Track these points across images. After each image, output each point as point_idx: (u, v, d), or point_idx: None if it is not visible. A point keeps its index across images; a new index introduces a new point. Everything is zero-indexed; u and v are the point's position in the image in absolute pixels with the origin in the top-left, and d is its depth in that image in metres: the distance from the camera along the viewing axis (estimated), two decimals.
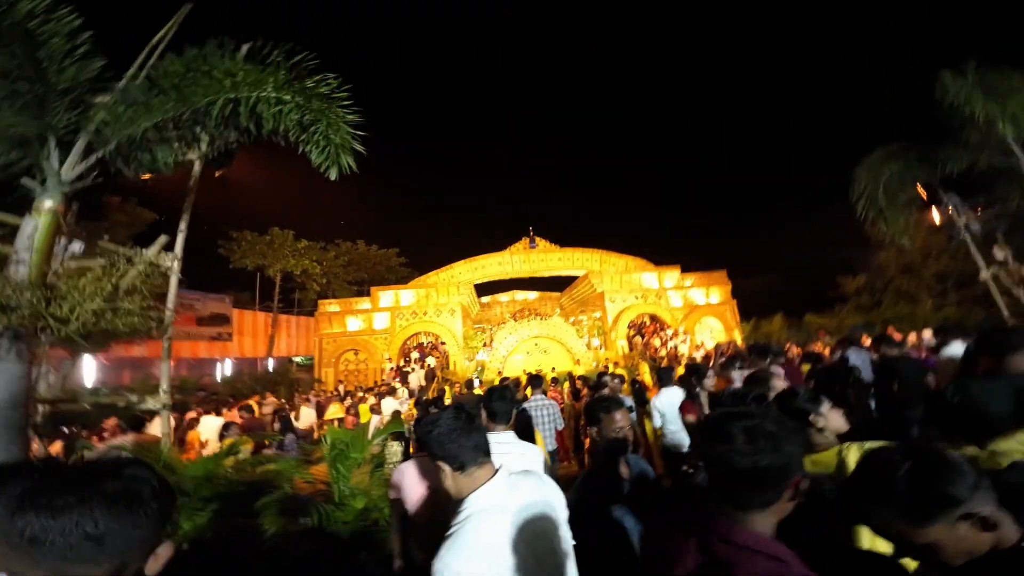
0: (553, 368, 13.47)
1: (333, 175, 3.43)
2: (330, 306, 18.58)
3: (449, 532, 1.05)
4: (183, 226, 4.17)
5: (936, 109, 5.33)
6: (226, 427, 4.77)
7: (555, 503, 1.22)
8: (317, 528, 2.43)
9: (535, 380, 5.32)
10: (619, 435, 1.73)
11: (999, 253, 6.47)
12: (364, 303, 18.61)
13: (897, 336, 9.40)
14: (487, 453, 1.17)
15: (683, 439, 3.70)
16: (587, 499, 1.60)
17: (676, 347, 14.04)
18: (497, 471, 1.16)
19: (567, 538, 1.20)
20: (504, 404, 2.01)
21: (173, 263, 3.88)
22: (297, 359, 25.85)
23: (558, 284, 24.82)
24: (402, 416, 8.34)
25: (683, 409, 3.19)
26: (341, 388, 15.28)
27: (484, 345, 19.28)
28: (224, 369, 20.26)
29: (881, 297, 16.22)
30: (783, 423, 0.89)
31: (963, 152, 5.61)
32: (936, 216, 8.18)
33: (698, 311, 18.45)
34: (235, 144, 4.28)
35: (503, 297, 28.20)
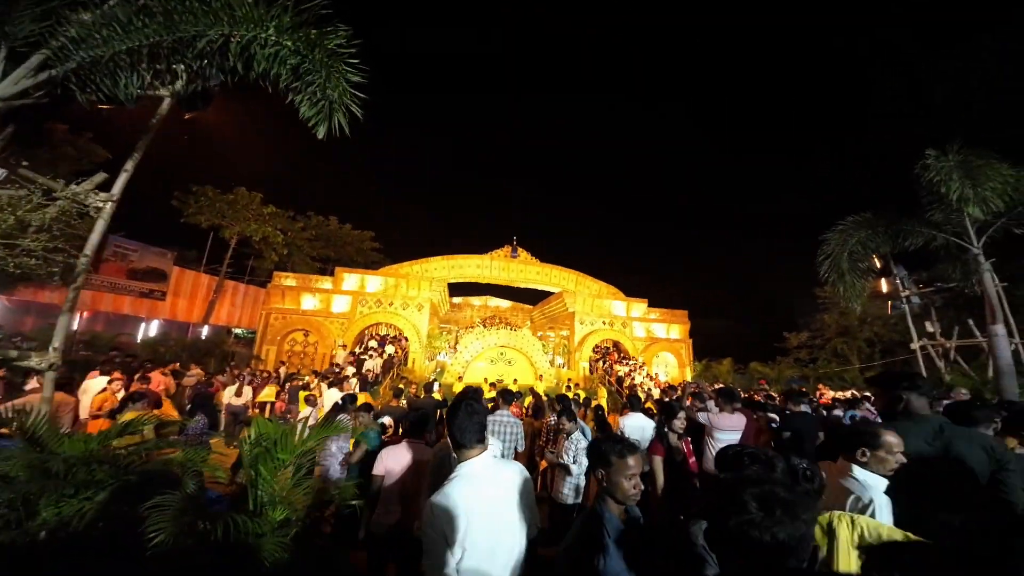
0: (515, 380, 13.33)
1: (321, 133, 3.12)
2: (286, 279, 17.18)
3: (451, 477, 1.59)
4: (129, 166, 3.60)
5: (914, 183, 5.90)
6: (133, 398, 4.05)
7: (526, 486, 1.68)
8: (220, 541, 1.96)
9: (507, 395, 5.13)
10: (633, 493, 1.42)
11: (930, 327, 7.26)
12: (325, 282, 17.43)
13: (825, 392, 10.34)
14: (482, 439, 1.70)
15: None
16: (584, 545, 1.40)
17: (634, 377, 14.43)
18: (486, 451, 1.69)
19: (527, 512, 1.63)
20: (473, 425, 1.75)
21: (106, 205, 3.30)
22: (237, 331, 23.56)
23: (531, 297, 24.94)
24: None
25: (651, 450, 3.21)
26: (283, 370, 14.07)
27: (448, 347, 18.75)
28: (149, 330, 18.01)
29: (818, 354, 17.81)
30: (794, 487, 0.85)
31: (923, 228, 6.26)
32: (884, 285, 9.10)
33: (657, 344, 19.26)
34: (216, 86, 3.78)
35: (476, 300, 27.81)
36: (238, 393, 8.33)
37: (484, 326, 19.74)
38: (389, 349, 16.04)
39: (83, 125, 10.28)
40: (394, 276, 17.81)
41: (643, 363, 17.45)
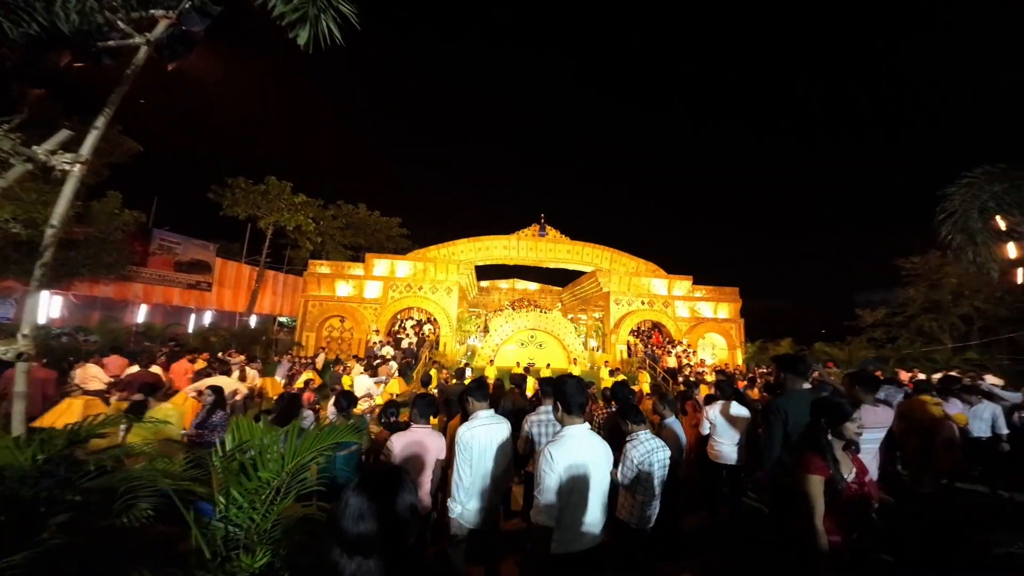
0: (548, 365, 12.63)
1: (303, 39, 2.40)
2: (320, 267, 17.46)
3: (558, 435, 2.03)
4: (100, 123, 3.08)
5: None
6: (145, 390, 3.67)
7: (607, 456, 2.07)
8: None
9: (557, 390, 4.32)
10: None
11: None
12: (357, 269, 17.52)
13: (903, 376, 8.70)
14: (583, 409, 2.08)
15: (730, 453, 3.95)
16: None
17: (687, 362, 13.21)
18: (585, 423, 2.09)
19: (607, 478, 2.06)
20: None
21: (74, 167, 2.81)
22: (283, 319, 24.77)
23: (561, 279, 23.90)
24: (373, 402, 7.29)
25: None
26: (321, 356, 14.32)
27: (478, 330, 18.39)
28: (201, 320, 19.19)
29: (898, 333, 15.48)
30: None
31: None
32: (1014, 250, 7.29)
33: (704, 325, 17.68)
34: (199, 30, 3.20)
35: (503, 284, 27.27)
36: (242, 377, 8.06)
37: (513, 309, 19.10)
38: (428, 328, 16.13)
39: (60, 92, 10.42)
40: (422, 260, 17.53)
41: (689, 346, 16.09)
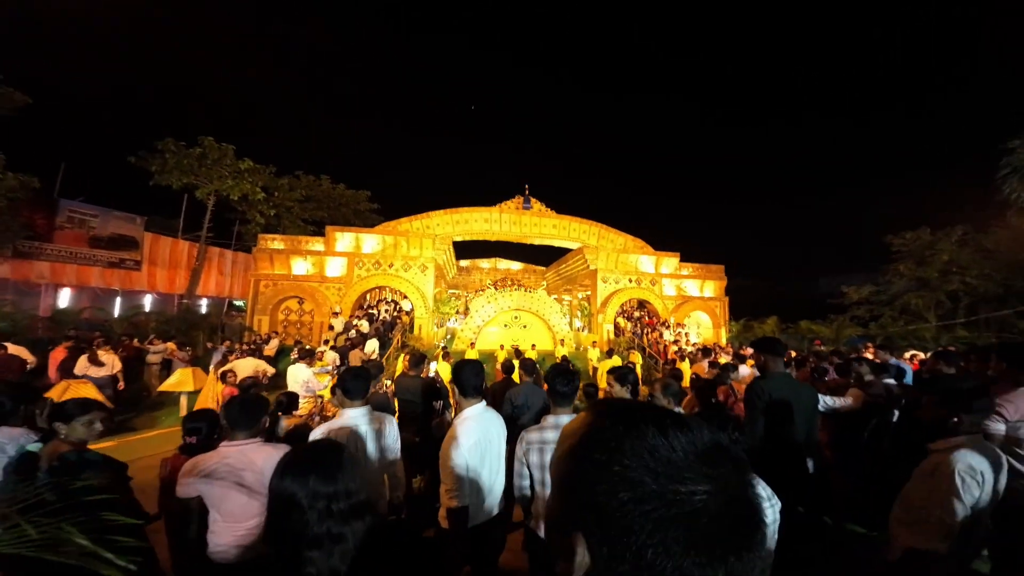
0: (533, 346, 11.59)
1: None
2: (273, 242, 15.26)
3: (459, 420, 2.05)
4: None
5: None
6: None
7: (502, 429, 2.20)
8: None
9: (530, 368, 3.60)
10: None
11: None
12: (316, 244, 15.48)
13: (868, 352, 8.29)
14: (480, 392, 2.14)
15: None
16: None
17: (680, 343, 12.45)
18: (481, 401, 2.14)
19: (503, 447, 2.16)
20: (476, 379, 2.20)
21: None
22: (238, 302, 22.23)
23: (546, 258, 22.70)
24: (320, 397, 5.75)
25: None
26: (275, 341, 12.53)
27: (457, 313, 17.00)
28: (133, 304, 16.56)
29: (882, 311, 15.48)
30: None
31: None
32: None
33: (690, 303, 17.15)
34: None
35: (484, 263, 25.81)
36: (92, 360, 6.49)
37: (495, 288, 17.77)
38: (405, 305, 14.91)
39: None
40: (392, 234, 15.70)
41: (681, 326, 15.45)
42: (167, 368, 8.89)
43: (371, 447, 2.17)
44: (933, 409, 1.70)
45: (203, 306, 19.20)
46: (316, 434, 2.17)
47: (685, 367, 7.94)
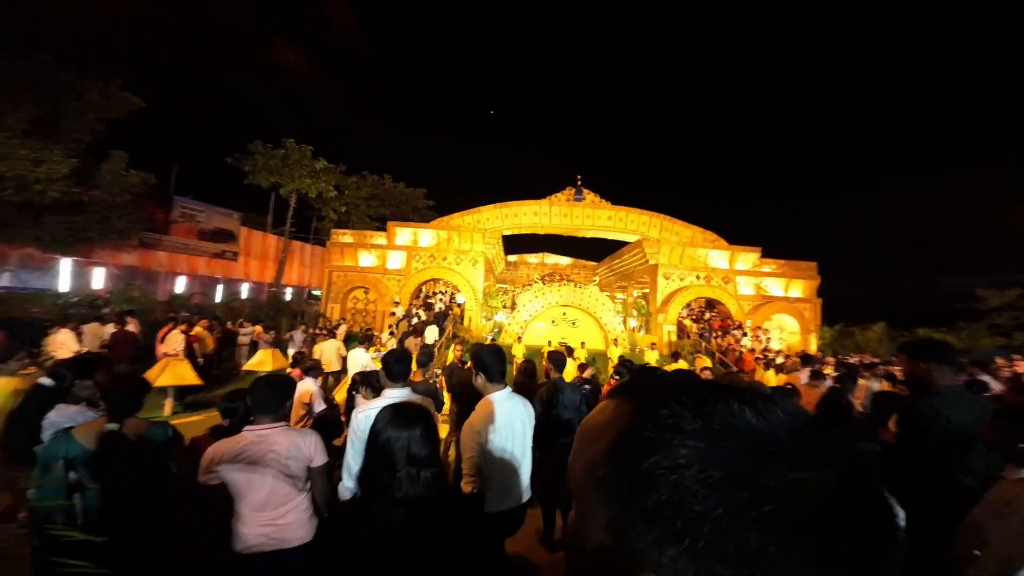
0: (583, 344, 10.90)
1: None
2: (343, 236, 16.60)
3: (483, 405, 2.02)
4: None
5: None
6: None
7: (528, 416, 2.14)
8: None
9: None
10: None
11: None
12: (380, 238, 16.48)
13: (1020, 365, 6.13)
14: (503, 376, 2.11)
15: None
16: None
17: (763, 348, 10.89)
18: (507, 387, 2.12)
19: (529, 435, 2.11)
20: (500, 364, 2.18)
21: None
22: (316, 292, 24.80)
23: (596, 253, 21.61)
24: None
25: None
26: (343, 327, 13.58)
27: (504, 307, 16.94)
28: (233, 291, 19.29)
29: None
30: None
31: None
32: None
33: (771, 305, 14.95)
34: None
35: (532, 258, 25.53)
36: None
37: (543, 283, 17.32)
38: (460, 298, 15.41)
39: (114, 70, 9.62)
40: (445, 229, 16.10)
41: (755, 328, 13.58)
42: (254, 349, 10.04)
43: None
44: (994, 432, 1.49)
45: (287, 294, 21.72)
46: (358, 412, 2.14)
47: (770, 377, 6.79)
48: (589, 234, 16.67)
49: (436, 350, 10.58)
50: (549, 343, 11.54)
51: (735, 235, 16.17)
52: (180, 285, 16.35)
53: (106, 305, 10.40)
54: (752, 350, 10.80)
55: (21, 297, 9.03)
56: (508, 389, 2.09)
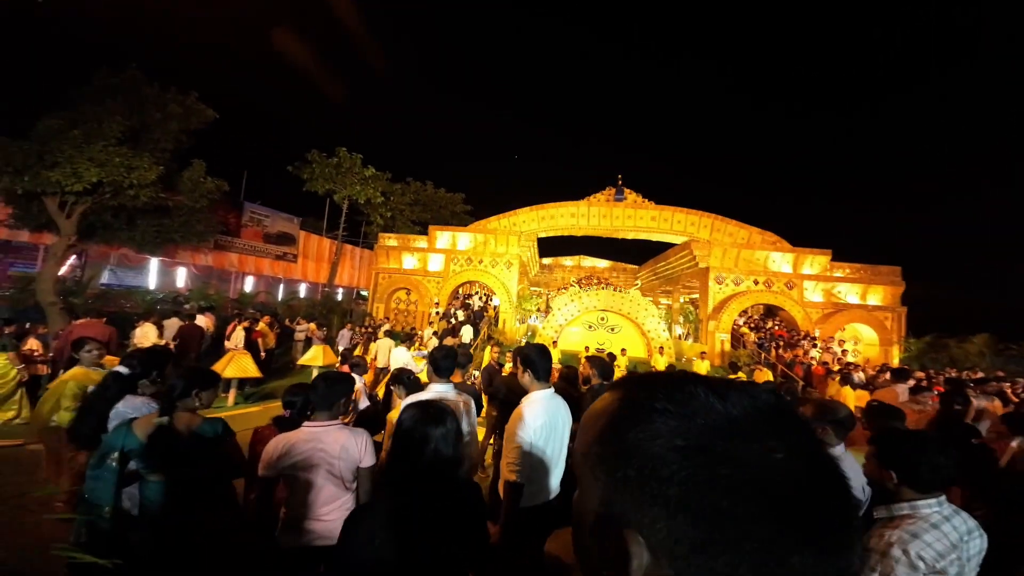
0: (623, 351, 10.30)
1: None
2: (389, 240, 17.44)
3: (528, 401, 2.08)
4: None
5: None
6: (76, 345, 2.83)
7: (568, 417, 2.20)
8: None
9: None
10: None
11: None
12: (421, 241, 17.08)
13: None
14: (548, 374, 2.16)
15: None
16: None
17: (837, 361, 9.60)
18: (550, 387, 2.18)
19: (567, 435, 2.18)
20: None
21: None
22: (364, 292, 26.38)
23: (637, 255, 20.52)
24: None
25: None
26: (385, 327, 14.19)
27: (538, 310, 16.66)
28: (291, 290, 21.03)
29: None
30: None
31: None
32: None
33: (845, 313, 13.14)
34: None
35: (567, 261, 24.89)
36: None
37: (580, 286, 16.75)
38: (496, 301, 15.45)
39: (190, 84, 10.85)
40: (482, 232, 16.24)
41: (824, 338, 11.99)
42: (308, 344, 10.76)
43: None
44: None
45: (339, 294, 23.26)
46: (405, 405, 2.16)
47: (847, 394, 5.86)
48: (630, 235, 15.87)
49: (472, 351, 10.66)
50: (587, 349, 11.05)
51: (798, 236, 14.44)
52: (248, 284, 18.19)
53: (187, 302, 11.77)
54: (825, 364, 9.48)
55: (117, 293, 10.51)
56: (551, 389, 2.15)
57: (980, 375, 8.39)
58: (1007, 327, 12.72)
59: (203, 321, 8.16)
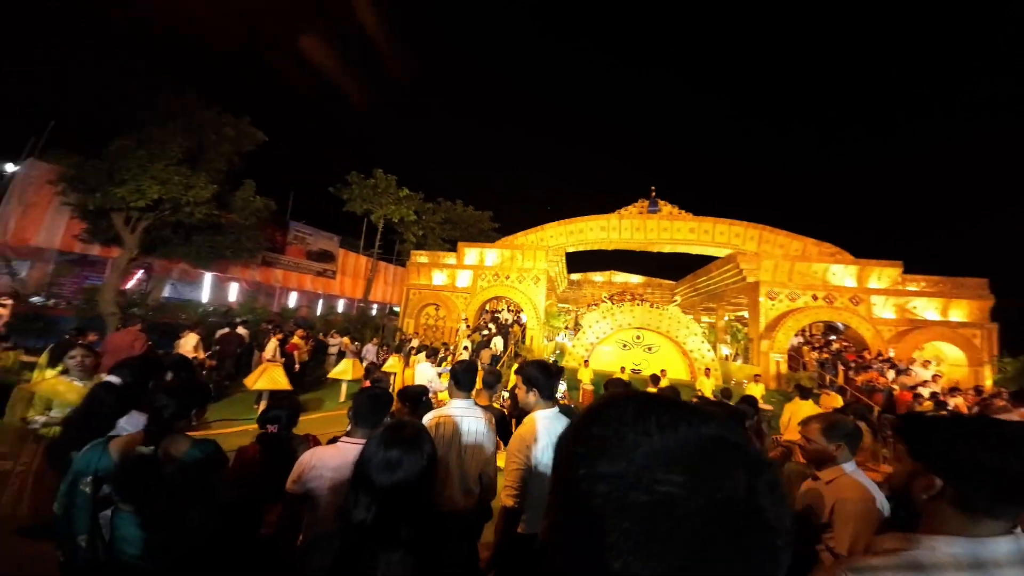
0: (663, 372, 9.48)
1: None
2: (420, 257, 17.84)
3: (529, 421, 2.01)
4: None
5: None
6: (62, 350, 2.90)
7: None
8: None
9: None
10: None
11: None
12: (450, 258, 17.30)
13: None
14: (553, 394, 2.09)
15: None
16: None
17: (925, 387, 8.32)
18: (555, 407, 2.08)
19: None
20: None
21: None
22: (396, 308, 27.12)
23: (672, 270, 19.41)
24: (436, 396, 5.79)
25: None
26: (415, 341, 14.27)
27: (566, 328, 16.07)
28: (330, 306, 21.95)
29: None
30: None
31: None
32: None
33: (922, 331, 11.47)
34: None
35: (597, 276, 24.04)
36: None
37: (612, 302, 16.00)
38: (524, 317, 15.17)
39: (242, 108, 11.83)
40: (509, 247, 16.15)
41: (899, 360, 10.46)
42: (341, 357, 10.96)
43: (466, 439, 2.22)
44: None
45: (373, 309, 23.98)
46: (425, 420, 2.27)
47: None
48: (666, 249, 15.06)
49: (500, 367, 10.32)
50: (622, 369, 10.37)
51: (861, 247, 12.98)
52: (292, 300, 19.19)
53: (236, 315, 12.52)
54: (913, 388, 8.17)
55: (174, 305, 11.38)
56: (556, 408, 2.07)
57: None
58: None
59: (243, 331, 8.53)
